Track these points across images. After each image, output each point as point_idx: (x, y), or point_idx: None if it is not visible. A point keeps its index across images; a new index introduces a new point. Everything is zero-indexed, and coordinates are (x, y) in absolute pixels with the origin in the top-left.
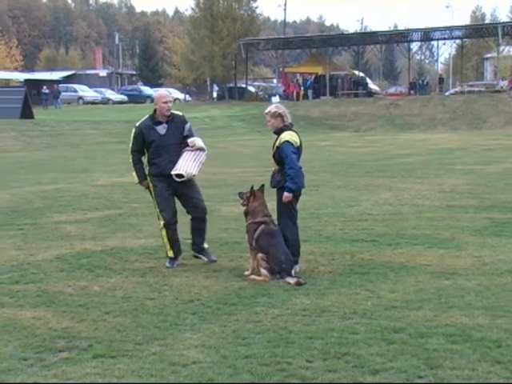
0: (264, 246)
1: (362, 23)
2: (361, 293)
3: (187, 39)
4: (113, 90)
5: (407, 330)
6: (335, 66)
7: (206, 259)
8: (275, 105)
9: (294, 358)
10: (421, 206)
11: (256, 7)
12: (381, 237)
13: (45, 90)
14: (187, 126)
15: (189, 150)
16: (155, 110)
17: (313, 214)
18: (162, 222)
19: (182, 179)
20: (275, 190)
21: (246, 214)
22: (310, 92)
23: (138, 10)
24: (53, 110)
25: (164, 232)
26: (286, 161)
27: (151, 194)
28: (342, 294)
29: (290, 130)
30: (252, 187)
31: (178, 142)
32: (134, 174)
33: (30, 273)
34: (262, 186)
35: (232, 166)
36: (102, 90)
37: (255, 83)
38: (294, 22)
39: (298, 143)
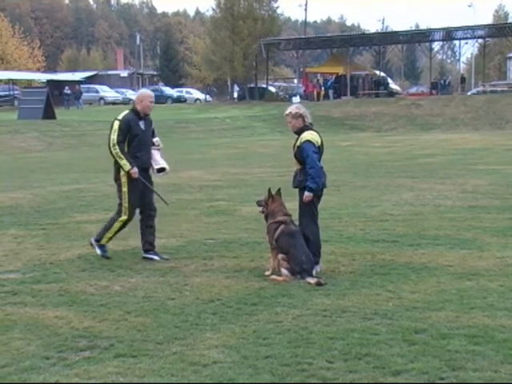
0: (284, 247)
1: (383, 23)
2: (382, 293)
3: (208, 40)
4: (134, 90)
5: (429, 331)
6: (356, 66)
7: (159, 258)
8: (295, 105)
9: (315, 359)
10: (442, 206)
11: (277, 7)
12: (402, 237)
13: (66, 90)
14: (153, 125)
15: (155, 149)
16: (135, 106)
17: (334, 214)
18: (124, 218)
19: (162, 173)
20: (297, 190)
21: (266, 216)
22: (330, 92)
23: (160, 10)
24: (74, 110)
25: (119, 226)
26: (306, 160)
27: (120, 186)
28: (363, 295)
29: (311, 129)
30: (269, 190)
31: (151, 139)
32: (125, 161)
33: (52, 272)
34: (279, 189)
35: (253, 166)
36: (124, 90)
37: (276, 83)
38: (315, 22)
39: (319, 143)
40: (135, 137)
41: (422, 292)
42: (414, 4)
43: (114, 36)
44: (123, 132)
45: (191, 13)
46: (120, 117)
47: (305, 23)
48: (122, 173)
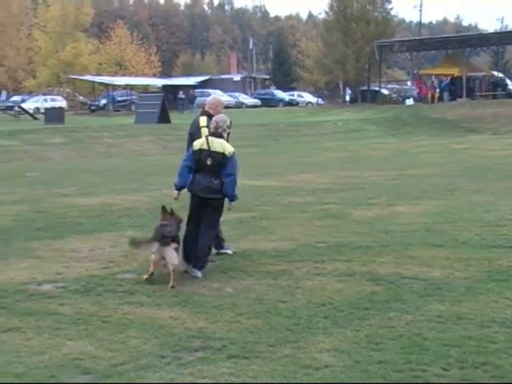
0: None
1: (502, 22)
2: (499, 300)
3: (320, 43)
4: (246, 94)
5: None
6: (472, 67)
7: (230, 251)
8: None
9: (429, 366)
10: None
11: (391, 9)
12: None
13: (181, 95)
14: None
15: None
16: (208, 112)
17: (448, 218)
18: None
19: None
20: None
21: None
22: (445, 94)
23: (272, 14)
24: (188, 114)
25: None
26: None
27: None
28: (480, 302)
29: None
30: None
31: None
32: None
33: (167, 273)
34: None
35: (364, 170)
36: (236, 94)
37: (389, 86)
38: (430, 22)
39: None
40: None
41: None
42: None
43: (227, 40)
44: None
45: (304, 16)
46: (205, 124)
47: (419, 24)
48: None
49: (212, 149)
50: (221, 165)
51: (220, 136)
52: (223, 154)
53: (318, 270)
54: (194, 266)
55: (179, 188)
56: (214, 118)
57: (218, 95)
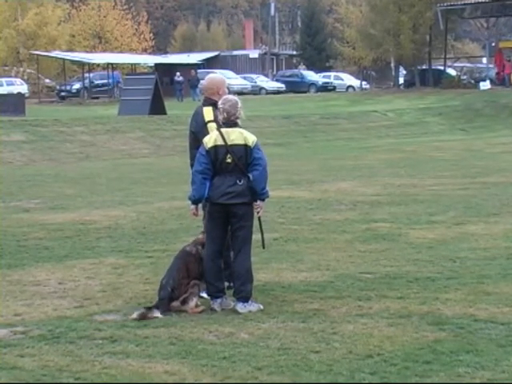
0: None
1: None
2: None
3: (365, 7)
4: (266, 75)
5: None
6: None
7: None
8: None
9: None
10: None
11: None
12: None
13: (178, 77)
14: None
15: None
16: (212, 99)
17: None
18: None
19: None
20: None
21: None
22: None
23: None
24: (190, 102)
25: None
26: None
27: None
28: None
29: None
30: None
31: None
32: None
33: (168, 314)
34: None
35: (424, 176)
36: (253, 76)
37: (457, 64)
38: None
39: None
40: None
41: None
42: None
43: (241, 5)
44: None
45: None
46: (211, 117)
47: None
48: None
49: (230, 142)
50: (244, 160)
51: (235, 125)
52: (245, 146)
53: (361, 310)
54: (237, 299)
55: (197, 201)
56: (220, 105)
57: (215, 74)
